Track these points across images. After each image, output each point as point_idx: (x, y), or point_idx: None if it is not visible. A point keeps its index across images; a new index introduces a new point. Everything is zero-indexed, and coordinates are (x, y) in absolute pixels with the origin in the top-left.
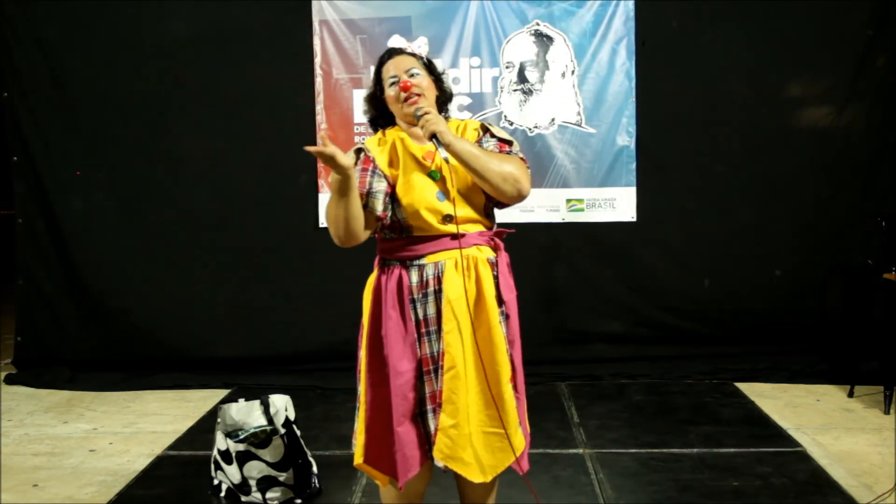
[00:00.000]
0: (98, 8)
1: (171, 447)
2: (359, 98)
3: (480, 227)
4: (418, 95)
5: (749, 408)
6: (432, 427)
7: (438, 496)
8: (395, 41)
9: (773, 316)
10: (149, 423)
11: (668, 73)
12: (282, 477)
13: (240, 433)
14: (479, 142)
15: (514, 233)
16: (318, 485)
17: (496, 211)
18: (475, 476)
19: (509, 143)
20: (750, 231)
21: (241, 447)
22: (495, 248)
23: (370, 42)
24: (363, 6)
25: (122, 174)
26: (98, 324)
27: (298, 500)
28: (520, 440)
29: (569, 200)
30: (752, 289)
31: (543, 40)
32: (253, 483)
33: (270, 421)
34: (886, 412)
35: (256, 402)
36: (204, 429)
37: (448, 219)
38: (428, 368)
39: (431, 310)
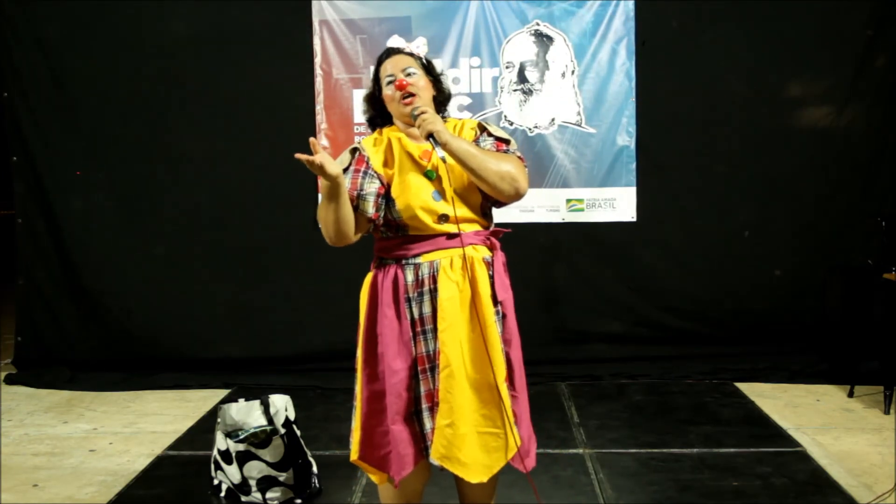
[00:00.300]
0: (98, 8)
1: (171, 447)
2: (359, 98)
3: (477, 227)
4: (413, 95)
5: (749, 408)
6: (427, 426)
7: (438, 496)
8: (395, 41)
9: (773, 316)
10: (149, 423)
11: (668, 73)
12: (282, 477)
13: (240, 433)
14: (476, 141)
15: (511, 233)
16: (318, 485)
17: (493, 210)
18: (471, 476)
19: (507, 141)
20: (750, 231)
21: (241, 447)
22: (491, 248)
23: (370, 42)
24: (363, 6)
25: (122, 174)
26: (98, 324)
27: (298, 500)
28: (515, 439)
29: (569, 200)
30: (752, 289)
31: (543, 40)
32: (253, 483)
33: (270, 421)
34: (886, 412)
35: (256, 402)
36: (204, 429)
37: (444, 218)
38: (423, 367)
39: (427, 309)
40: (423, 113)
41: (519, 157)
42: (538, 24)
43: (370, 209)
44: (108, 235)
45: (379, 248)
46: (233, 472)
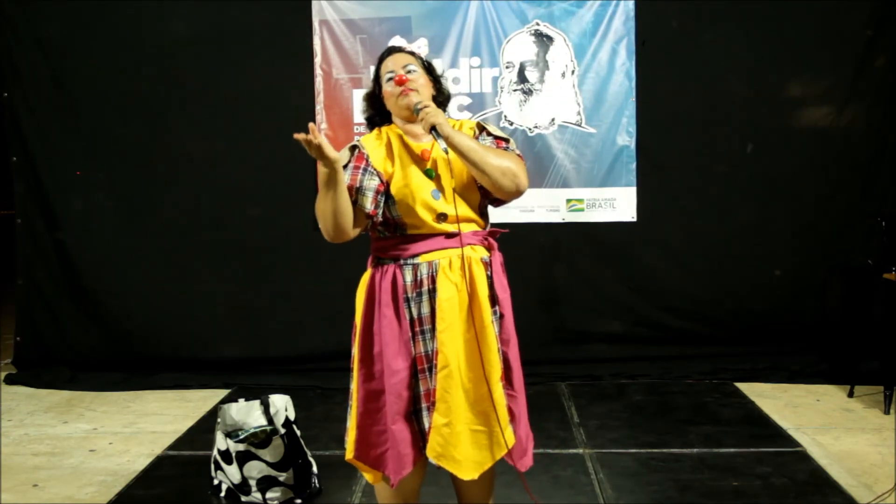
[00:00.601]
0: (98, 8)
1: (171, 447)
2: (359, 98)
3: (475, 227)
4: (412, 90)
5: (749, 408)
6: (426, 425)
7: (436, 496)
8: (396, 42)
9: (773, 316)
10: (149, 423)
11: (668, 73)
12: (282, 477)
13: (240, 433)
14: (475, 139)
15: (509, 233)
16: (318, 485)
17: (492, 210)
18: (463, 473)
19: (506, 140)
20: (750, 231)
21: (241, 447)
22: (489, 248)
23: (370, 42)
24: (363, 6)
25: (122, 174)
26: (98, 324)
27: (298, 500)
28: (509, 438)
29: (569, 200)
30: (752, 289)
31: (543, 40)
32: (253, 483)
33: (270, 421)
34: (886, 412)
35: (256, 402)
36: (204, 429)
37: (443, 217)
38: (422, 367)
39: (426, 308)
40: (425, 106)
41: (518, 155)
42: (538, 24)
43: (369, 204)
44: (108, 235)
45: (376, 248)
46: (233, 472)
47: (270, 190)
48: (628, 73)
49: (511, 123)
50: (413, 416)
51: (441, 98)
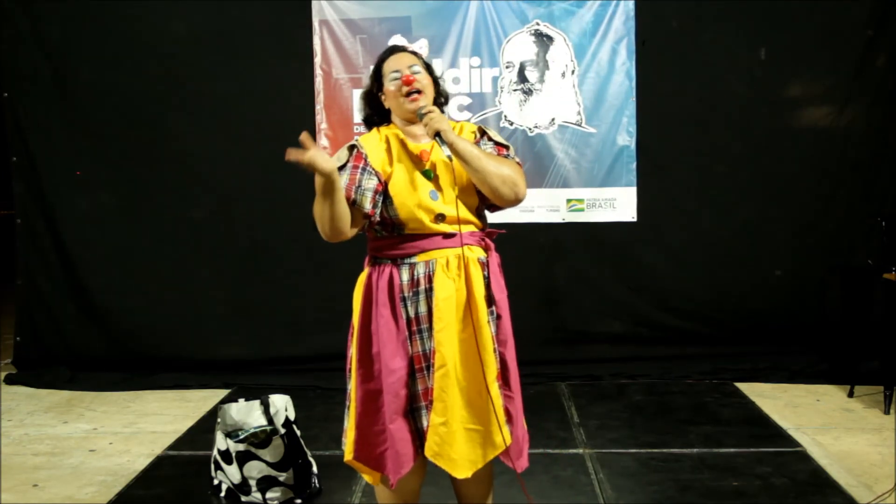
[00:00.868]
0: (98, 8)
1: (171, 447)
2: (359, 98)
3: (472, 228)
4: (419, 92)
5: (749, 408)
6: (424, 424)
7: (437, 496)
8: (396, 41)
9: (773, 316)
10: (149, 423)
11: (669, 72)
12: (282, 477)
13: (240, 433)
14: (476, 144)
15: (509, 233)
16: (318, 485)
17: (490, 214)
18: (457, 471)
19: (506, 147)
20: (750, 231)
21: (241, 447)
22: (486, 249)
23: (370, 42)
24: (363, 6)
25: (122, 174)
26: (98, 324)
27: (298, 500)
28: (506, 437)
29: (569, 200)
30: (752, 289)
31: (543, 40)
32: (253, 483)
33: (270, 421)
34: (886, 412)
35: (256, 402)
36: (204, 429)
37: (441, 217)
38: (420, 366)
39: (423, 308)
40: (430, 112)
41: (518, 163)
42: (538, 24)
43: (367, 205)
44: (108, 235)
45: (373, 248)
46: (233, 472)
47: (270, 190)
48: (628, 72)
49: (511, 123)
50: (410, 414)
51: (440, 99)
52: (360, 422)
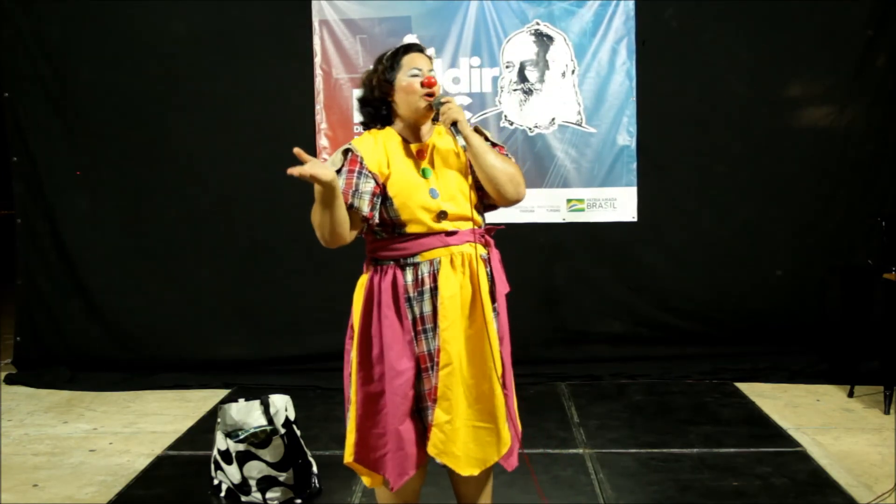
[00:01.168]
0: (98, 8)
1: (171, 447)
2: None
3: (472, 225)
4: (432, 96)
5: (749, 408)
6: (429, 422)
7: (437, 496)
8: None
9: (773, 316)
10: (149, 423)
11: (669, 72)
12: (282, 477)
13: (240, 433)
14: None
15: (509, 233)
16: (318, 485)
17: (487, 213)
18: (462, 469)
19: (502, 147)
20: (750, 231)
21: (241, 447)
22: (486, 245)
23: (370, 42)
24: (363, 6)
25: (122, 174)
26: (98, 324)
27: (298, 500)
28: (507, 435)
29: (569, 200)
30: (752, 289)
31: (543, 40)
32: (253, 483)
33: (270, 421)
34: (886, 412)
35: (256, 402)
36: (204, 429)
37: (442, 215)
38: (426, 366)
39: (428, 308)
40: (447, 101)
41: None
42: (538, 24)
43: (366, 208)
44: (108, 235)
45: (373, 249)
46: (233, 472)
47: (270, 190)
48: (629, 72)
49: (511, 123)
50: (417, 415)
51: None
52: (360, 424)
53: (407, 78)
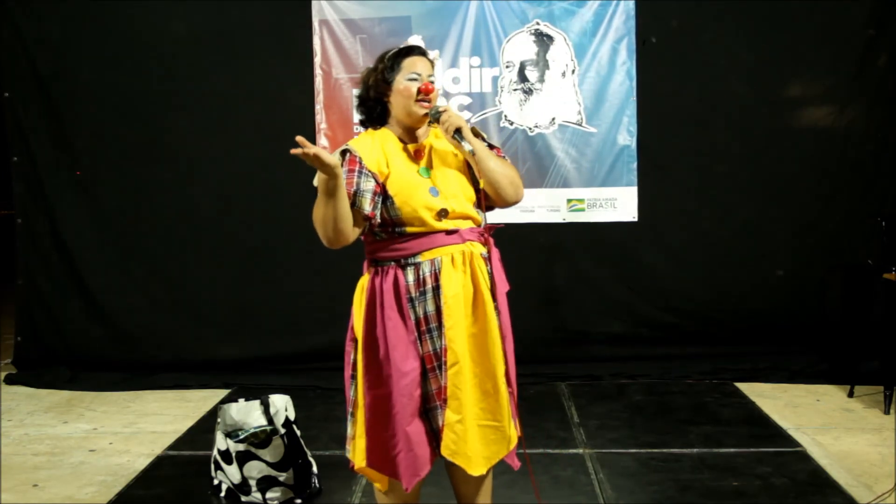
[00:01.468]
0: (99, 8)
1: (171, 447)
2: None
3: (472, 224)
4: (429, 102)
5: (749, 408)
6: (440, 423)
7: (438, 496)
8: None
9: (773, 316)
10: (149, 423)
11: (669, 72)
12: (282, 477)
13: (240, 433)
14: None
15: (510, 233)
16: (318, 485)
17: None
18: (473, 468)
19: (499, 149)
20: (750, 231)
21: (241, 447)
22: (485, 244)
23: (370, 42)
24: (363, 6)
25: (122, 174)
26: (98, 324)
27: (298, 500)
28: (513, 432)
29: (569, 200)
30: (752, 289)
31: (543, 40)
32: (253, 483)
33: (270, 421)
34: (886, 412)
35: (256, 402)
36: (204, 429)
37: (443, 214)
38: (431, 365)
39: (431, 307)
40: (445, 110)
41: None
42: (538, 24)
43: (367, 206)
44: (108, 235)
45: (373, 250)
46: (233, 472)
47: (270, 190)
48: (629, 72)
49: (511, 123)
50: (425, 415)
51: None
52: (370, 428)
53: (405, 81)
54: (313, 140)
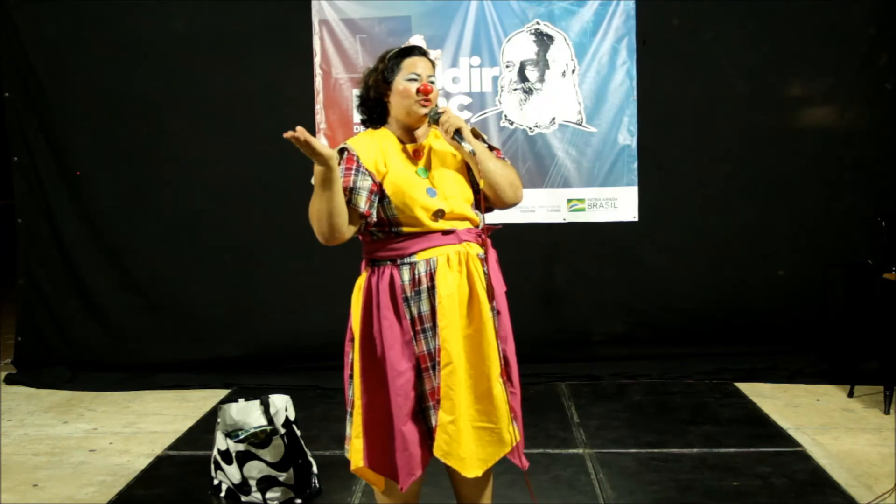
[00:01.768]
0: (98, 8)
1: (171, 447)
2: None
3: (469, 224)
4: (429, 102)
5: (749, 408)
6: (433, 423)
7: (438, 496)
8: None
9: (773, 316)
10: (149, 423)
11: (669, 71)
12: (282, 477)
13: (240, 433)
14: None
15: (510, 233)
16: (318, 485)
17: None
18: (467, 470)
19: (499, 150)
20: (751, 231)
21: (241, 447)
22: (483, 245)
23: (370, 42)
24: (363, 6)
25: (122, 174)
26: (98, 324)
27: (298, 500)
28: (514, 435)
29: (570, 200)
30: (752, 289)
31: (543, 39)
32: (253, 483)
33: (270, 421)
34: (886, 412)
35: (256, 402)
36: (204, 429)
37: (440, 214)
38: (426, 365)
39: (425, 307)
40: (444, 111)
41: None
42: (538, 24)
43: (363, 204)
44: (108, 235)
45: (370, 250)
46: (233, 472)
47: (270, 189)
48: (629, 71)
49: (511, 123)
50: (420, 415)
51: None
52: (367, 428)
53: (404, 82)
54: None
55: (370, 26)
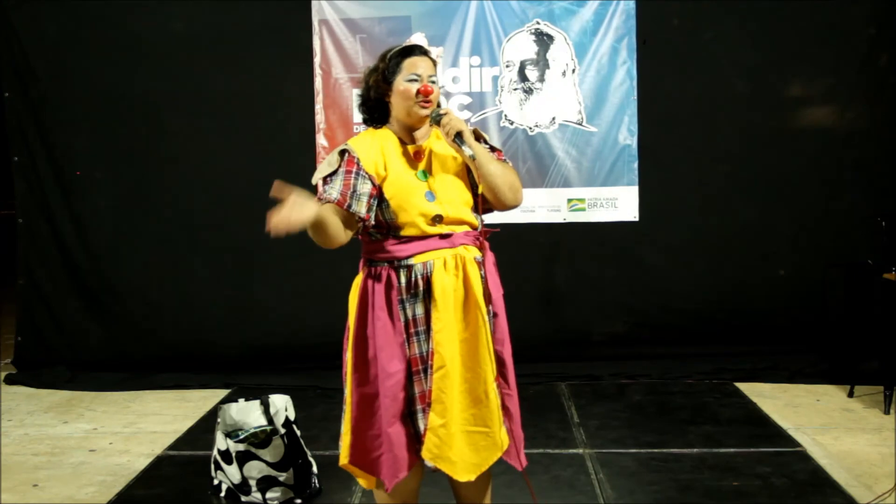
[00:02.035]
0: (98, 8)
1: (171, 447)
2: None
3: (466, 228)
4: (429, 102)
5: (749, 408)
6: (422, 427)
7: (437, 496)
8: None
9: (773, 316)
10: (149, 423)
11: (669, 71)
12: (282, 477)
13: (240, 433)
14: None
15: (510, 233)
16: (318, 485)
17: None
18: (459, 474)
19: (501, 152)
20: (751, 231)
21: (241, 447)
22: (480, 248)
23: (370, 42)
24: (363, 6)
25: (123, 174)
26: (98, 324)
27: (298, 500)
28: (504, 438)
29: (570, 200)
30: (752, 289)
31: (544, 39)
32: (253, 483)
33: (270, 421)
34: (886, 412)
35: (256, 402)
36: (204, 429)
37: (438, 219)
38: (417, 368)
39: (420, 310)
40: (446, 114)
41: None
42: (538, 23)
43: (363, 210)
44: (108, 235)
45: (368, 251)
46: (233, 472)
47: (270, 189)
48: (629, 71)
49: (511, 123)
50: (408, 418)
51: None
52: (355, 426)
53: (404, 83)
54: (313, 140)
55: (370, 26)
